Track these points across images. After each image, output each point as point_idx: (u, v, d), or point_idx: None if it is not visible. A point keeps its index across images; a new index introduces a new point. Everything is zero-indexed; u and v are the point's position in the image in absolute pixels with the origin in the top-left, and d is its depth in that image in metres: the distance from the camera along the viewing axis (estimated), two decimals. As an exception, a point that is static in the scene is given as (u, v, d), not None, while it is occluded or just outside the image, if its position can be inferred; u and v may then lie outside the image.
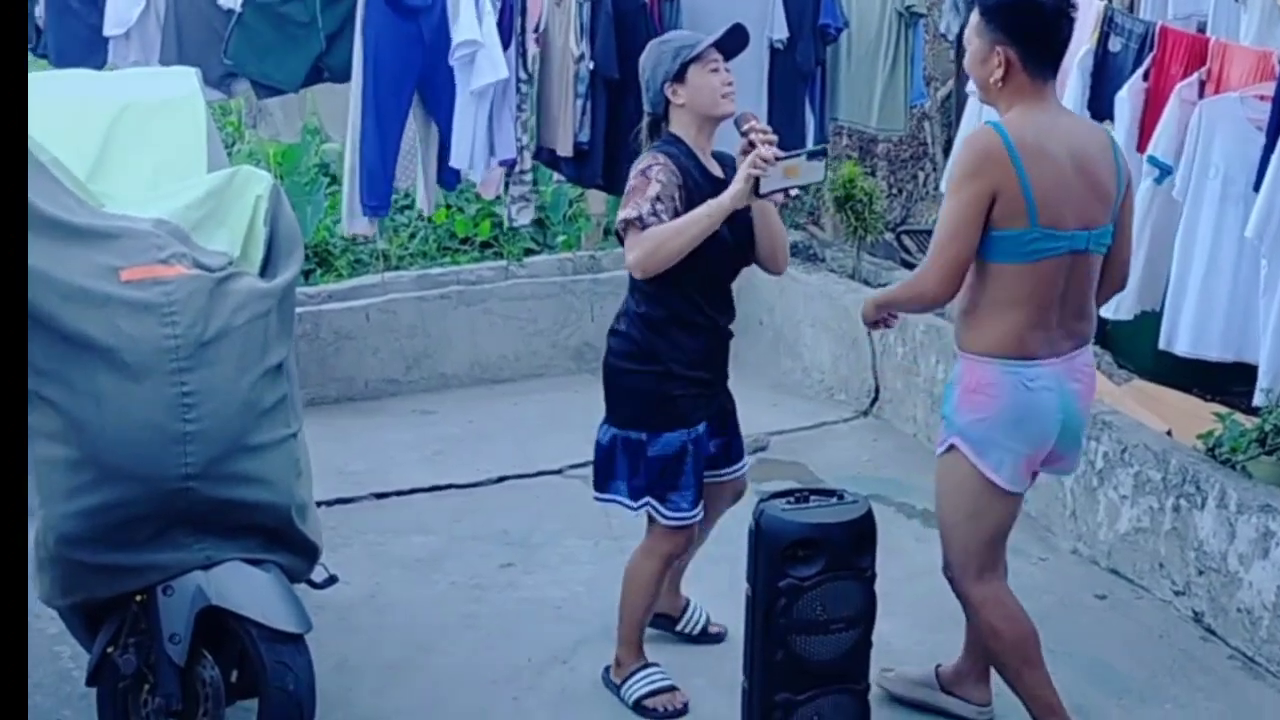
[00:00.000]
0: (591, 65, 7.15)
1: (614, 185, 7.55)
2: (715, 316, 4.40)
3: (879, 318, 4.24)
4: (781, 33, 7.22)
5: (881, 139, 8.75)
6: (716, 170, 4.34)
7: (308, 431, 4.24)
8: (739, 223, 4.26)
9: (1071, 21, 3.90)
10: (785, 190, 4.13)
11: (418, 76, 7.12)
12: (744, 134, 4.17)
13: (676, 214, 4.16)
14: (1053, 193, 3.78)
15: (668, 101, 4.31)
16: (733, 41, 4.33)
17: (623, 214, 4.19)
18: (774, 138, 4.12)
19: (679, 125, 4.33)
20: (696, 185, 4.25)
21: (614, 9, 7.11)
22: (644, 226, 4.12)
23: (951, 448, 4.00)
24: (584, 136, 7.25)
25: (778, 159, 4.04)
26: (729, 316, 4.47)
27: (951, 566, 4.10)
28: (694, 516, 4.42)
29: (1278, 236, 5.27)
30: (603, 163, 7.35)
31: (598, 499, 4.52)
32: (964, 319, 3.97)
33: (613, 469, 4.43)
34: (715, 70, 4.27)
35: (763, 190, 4.05)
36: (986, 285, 3.88)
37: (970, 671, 4.42)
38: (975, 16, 3.92)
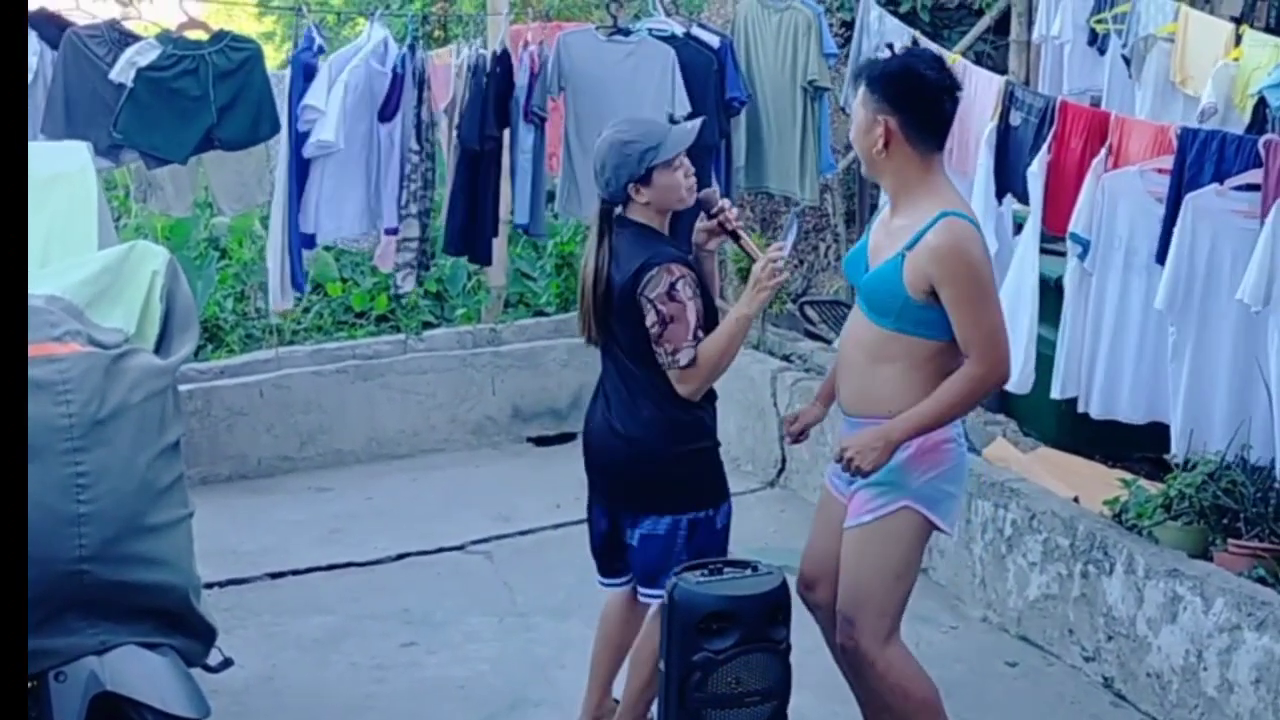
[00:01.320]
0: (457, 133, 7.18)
1: (473, 253, 7.50)
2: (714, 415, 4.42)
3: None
4: (684, 109, 7.23)
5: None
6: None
7: (199, 511, 4.11)
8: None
9: (955, 101, 3.95)
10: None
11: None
12: (712, 215, 4.25)
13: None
14: None
15: (628, 196, 4.24)
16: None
17: (680, 358, 4.14)
18: (735, 212, 4.26)
19: (639, 214, 4.24)
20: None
21: (489, 82, 7.10)
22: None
23: (900, 510, 3.96)
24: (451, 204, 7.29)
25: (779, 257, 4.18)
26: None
27: (862, 633, 4.03)
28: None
29: (1184, 307, 5.35)
30: (459, 229, 7.31)
31: (648, 596, 4.35)
32: (908, 393, 3.92)
33: (670, 560, 4.19)
34: (678, 169, 4.24)
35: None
36: (940, 360, 3.92)
37: None
38: (860, 88, 3.97)
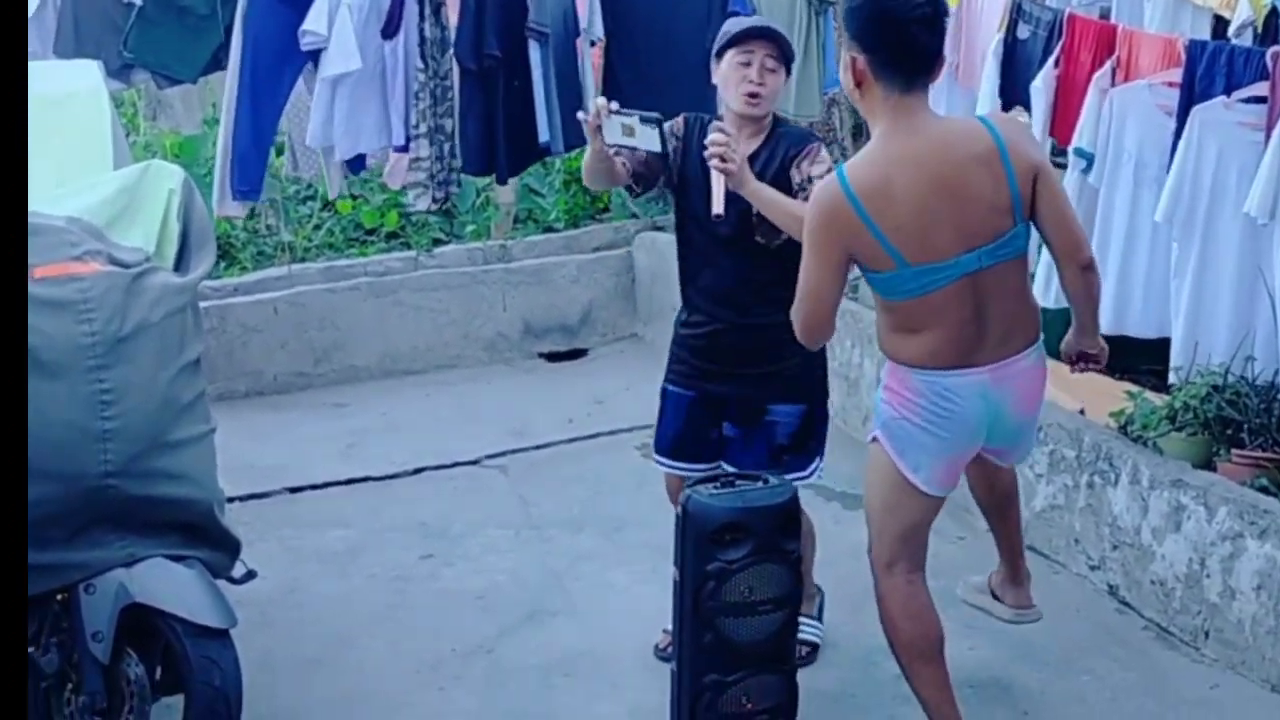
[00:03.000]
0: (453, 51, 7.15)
1: (496, 172, 7.48)
2: (702, 304, 4.44)
3: None
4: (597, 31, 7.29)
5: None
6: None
7: (218, 427, 4.18)
8: (731, 207, 4.15)
9: (932, 30, 3.65)
10: (625, 147, 4.22)
11: (303, 66, 7.06)
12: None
13: (644, 166, 4.38)
14: (916, 230, 3.63)
15: None
16: (760, 35, 4.26)
17: None
18: (723, 146, 4.02)
19: (723, 104, 4.32)
20: (691, 155, 4.28)
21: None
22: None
23: (874, 439, 3.96)
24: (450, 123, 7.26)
25: (614, 112, 4.12)
26: (722, 310, 4.40)
27: (871, 547, 4.05)
28: (662, 462, 4.62)
29: (1187, 220, 5.37)
30: (476, 148, 7.30)
31: None
32: (882, 330, 3.89)
33: None
34: (746, 64, 4.20)
35: (606, 139, 4.18)
36: (890, 314, 3.81)
37: (1008, 579, 4.53)
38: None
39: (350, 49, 6.81)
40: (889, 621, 4.01)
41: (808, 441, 4.46)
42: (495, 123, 7.21)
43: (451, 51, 7.15)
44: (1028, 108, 6.21)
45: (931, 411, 3.80)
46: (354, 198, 8.87)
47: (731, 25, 4.36)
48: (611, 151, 4.26)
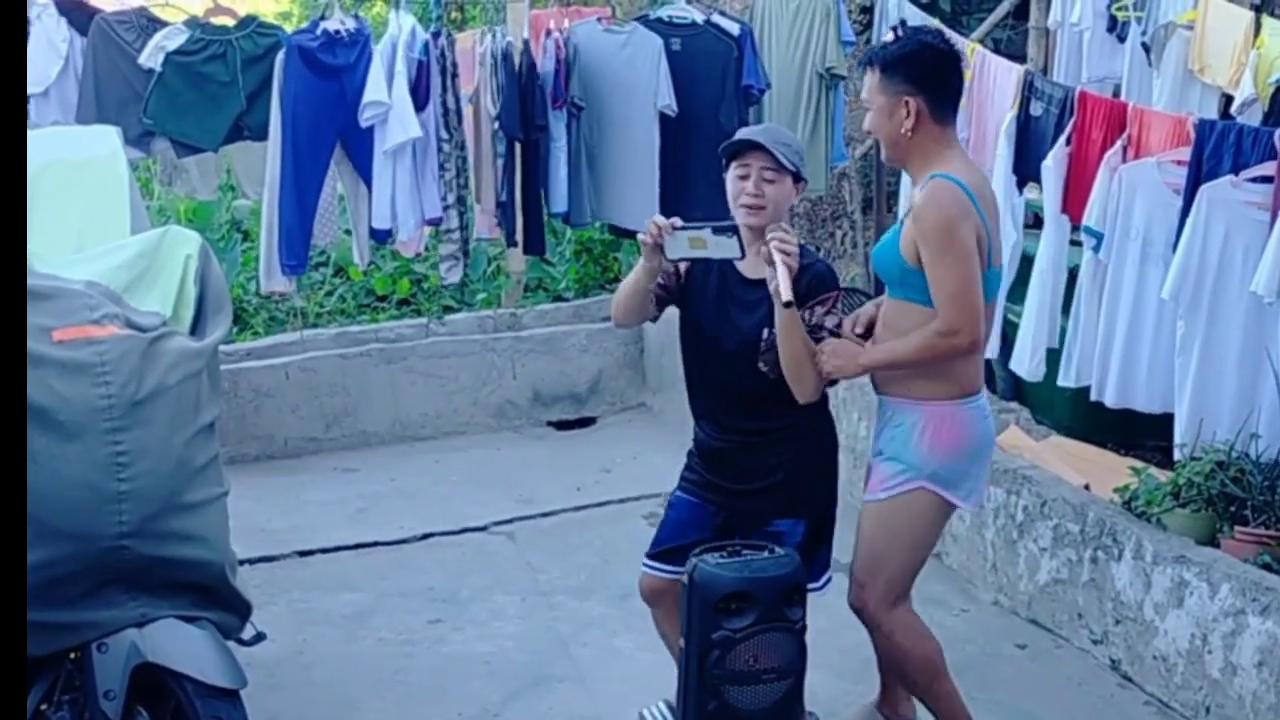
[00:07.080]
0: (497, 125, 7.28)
1: (528, 244, 7.63)
2: (705, 418, 4.38)
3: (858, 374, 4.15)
4: (667, 99, 7.38)
5: (799, 198, 8.90)
6: (751, 271, 4.15)
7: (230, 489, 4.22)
8: (737, 329, 4.18)
9: (962, 71, 4.10)
10: (691, 260, 4.11)
11: (338, 135, 7.17)
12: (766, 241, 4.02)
13: (669, 281, 4.28)
14: (995, 234, 4.03)
15: None
16: (752, 146, 4.17)
17: None
18: (790, 247, 3.95)
19: None
20: (696, 268, 4.25)
21: (519, 71, 7.22)
22: None
23: (916, 490, 4.08)
24: (504, 195, 7.36)
25: (678, 229, 4.01)
26: (731, 429, 4.32)
27: (871, 597, 4.19)
28: (646, 566, 4.47)
29: (1194, 298, 5.45)
30: (519, 220, 7.45)
31: None
32: (923, 371, 4.02)
33: None
34: (743, 176, 4.16)
35: (669, 256, 4.06)
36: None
37: (897, 690, 4.50)
38: (875, 75, 4.00)
39: (408, 117, 6.93)
40: (902, 651, 4.21)
41: (817, 552, 4.36)
42: (534, 193, 7.39)
43: (464, 123, 7.29)
44: (1040, 183, 6.28)
45: (978, 437, 4.12)
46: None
47: (740, 134, 4.29)
48: (654, 286, 4.20)
